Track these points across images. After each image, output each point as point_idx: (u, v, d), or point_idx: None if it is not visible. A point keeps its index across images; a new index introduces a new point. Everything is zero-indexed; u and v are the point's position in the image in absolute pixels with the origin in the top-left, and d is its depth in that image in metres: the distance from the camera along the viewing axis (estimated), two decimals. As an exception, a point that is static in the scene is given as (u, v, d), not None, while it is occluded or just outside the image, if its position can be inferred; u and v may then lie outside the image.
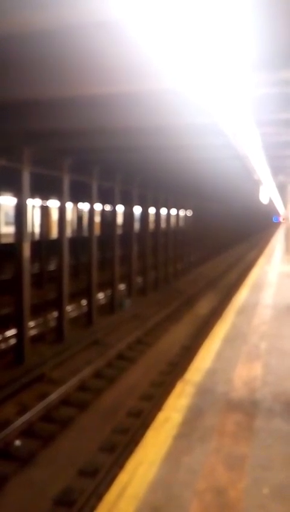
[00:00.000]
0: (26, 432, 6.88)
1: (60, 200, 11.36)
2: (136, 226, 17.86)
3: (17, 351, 9.80)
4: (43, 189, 16.87)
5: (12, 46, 4.70)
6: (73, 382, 8.53)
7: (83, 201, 21.73)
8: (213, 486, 2.99)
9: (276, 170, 14.04)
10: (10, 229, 14.37)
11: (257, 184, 15.35)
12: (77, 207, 24.00)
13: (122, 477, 3.08)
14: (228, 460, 3.30)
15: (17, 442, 6.59)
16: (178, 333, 13.10)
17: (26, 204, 9.54)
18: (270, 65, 4.44)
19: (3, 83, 5.33)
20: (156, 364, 10.22)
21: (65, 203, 11.34)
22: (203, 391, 4.48)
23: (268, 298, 9.71)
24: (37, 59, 4.97)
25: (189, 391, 4.48)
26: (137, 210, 17.70)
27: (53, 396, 7.83)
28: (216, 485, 3.00)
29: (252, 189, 18.48)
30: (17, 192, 9.53)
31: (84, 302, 14.16)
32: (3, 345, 10.61)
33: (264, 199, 20.05)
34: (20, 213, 9.50)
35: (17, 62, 5.07)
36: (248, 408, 4.11)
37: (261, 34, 4.14)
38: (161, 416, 3.94)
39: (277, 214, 46.33)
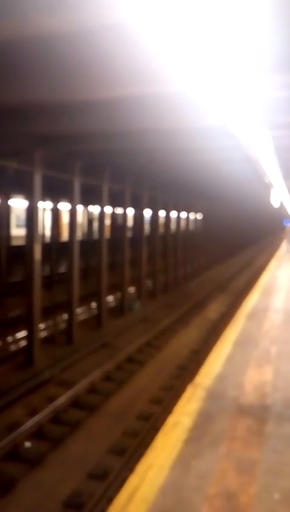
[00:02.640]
0: (36, 434, 6.89)
1: (70, 202, 11.40)
2: (146, 228, 17.86)
3: (27, 353, 9.83)
4: (53, 192, 16.98)
5: (23, 49, 4.74)
6: (82, 384, 8.54)
7: (93, 204, 21.83)
8: (224, 491, 2.97)
9: (288, 173, 13.96)
10: (21, 231, 14.44)
11: (268, 187, 15.29)
12: (87, 210, 24.10)
13: (133, 480, 3.07)
14: (238, 465, 3.27)
15: (27, 444, 6.61)
16: (188, 336, 13.05)
17: (37, 206, 9.60)
18: (283, 67, 4.43)
19: (15, 86, 5.38)
20: (165, 367, 10.19)
21: (76, 205, 11.39)
22: (214, 396, 4.46)
23: (279, 303, 9.65)
24: (48, 62, 5.01)
25: (199, 395, 4.46)
26: (147, 213, 17.71)
27: (62, 399, 7.84)
28: (227, 489, 2.98)
29: (263, 192, 18.40)
30: (29, 195, 9.59)
31: (93, 304, 14.18)
32: (13, 347, 10.66)
33: (275, 202, 19.94)
34: (31, 215, 9.56)
35: (28, 65, 5.12)
36: (258, 413, 4.08)
37: (275, 36, 4.13)
38: (171, 420, 3.93)
39: (288, 217, 46.08)
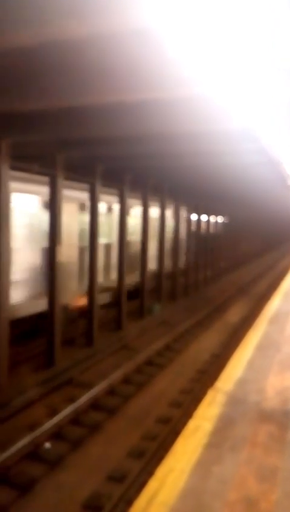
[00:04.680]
0: (56, 435, 6.94)
1: (92, 205, 11.48)
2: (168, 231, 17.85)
3: (48, 354, 9.93)
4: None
5: (47, 54, 4.79)
6: (102, 386, 8.56)
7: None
8: (244, 497, 2.93)
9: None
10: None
11: (290, 190, 15.09)
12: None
13: (153, 484, 3.06)
14: (259, 471, 3.23)
15: (47, 445, 6.66)
16: (208, 340, 12.97)
17: (60, 209, 9.73)
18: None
19: (37, 92, 5.46)
20: (185, 371, 10.15)
21: (97, 208, 11.46)
22: (235, 401, 4.41)
23: (301, 307, 9.49)
24: (71, 67, 5.05)
25: (220, 400, 4.42)
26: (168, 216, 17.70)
27: (82, 400, 7.88)
28: (247, 496, 2.94)
29: (286, 195, 18.17)
30: (51, 199, 9.72)
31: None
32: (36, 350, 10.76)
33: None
34: (53, 218, 9.68)
35: (52, 70, 5.18)
36: (280, 419, 4.02)
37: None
38: (191, 424, 3.90)
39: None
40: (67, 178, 9.91)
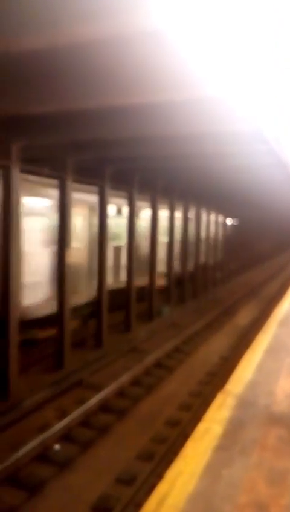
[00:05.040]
0: (65, 437, 6.95)
1: (100, 207, 11.51)
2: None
3: (57, 356, 9.96)
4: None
5: (57, 58, 4.82)
6: (111, 388, 8.57)
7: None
8: (254, 501, 2.91)
9: None
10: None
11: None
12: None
13: (162, 487, 3.05)
14: (270, 475, 3.20)
15: (57, 447, 6.67)
16: (217, 342, 12.92)
17: (69, 212, 9.78)
18: None
19: (47, 95, 5.49)
20: (194, 373, 10.12)
21: (106, 211, 11.49)
22: (245, 404, 4.38)
23: (312, 309, 9.42)
24: (82, 70, 5.07)
25: (230, 403, 4.40)
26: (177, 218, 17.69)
27: (92, 402, 7.89)
28: (258, 500, 2.92)
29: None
30: (60, 201, 9.77)
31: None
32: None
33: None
34: (62, 220, 9.73)
35: (62, 73, 5.20)
36: (291, 423, 3.98)
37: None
38: (201, 427, 3.89)
39: None
40: (76, 180, 9.97)
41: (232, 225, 28.48)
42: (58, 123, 7.08)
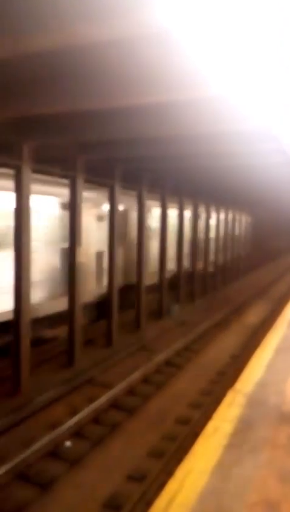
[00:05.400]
0: (77, 434, 7.01)
1: (111, 206, 11.55)
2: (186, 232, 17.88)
3: (69, 354, 10.04)
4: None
5: (67, 59, 4.86)
6: (121, 386, 8.61)
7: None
8: (265, 499, 2.92)
9: None
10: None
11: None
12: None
13: (172, 485, 3.07)
14: (280, 473, 3.21)
15: (68, 443, 6.73)
16: (227, 341, 12.92)
17: (80, 211, 9.84)
18: None
19: (58, 96, 5.53)
20: (204, 372, 10.13)
21: (116, 210, 11.53)
22: (255, 403, 4.40)
23: None
24: (92, 71, 5.12)
25: (240, 401, 4.41)
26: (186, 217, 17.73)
27: (102, 399, 7.95)
28: (268, 498, 2.93)
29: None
30: (71, 200, 9.83)
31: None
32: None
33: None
34: (73, 219, 9.80)
35: (72, 74, 5.25)
36: (301, 422, 3.99)
37: None
38: (211, 425, 3.91)
39: None
40: (87, 180, 10.04)
41: (248, 223, 28.80)
42: (68, 123, 7.13)
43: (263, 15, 3.52)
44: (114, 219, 11.46)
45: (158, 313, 14.92)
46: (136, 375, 9.21)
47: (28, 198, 8.16)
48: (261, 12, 3.46)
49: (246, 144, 8.10)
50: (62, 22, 3.76)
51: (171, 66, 4.79)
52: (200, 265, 19.07)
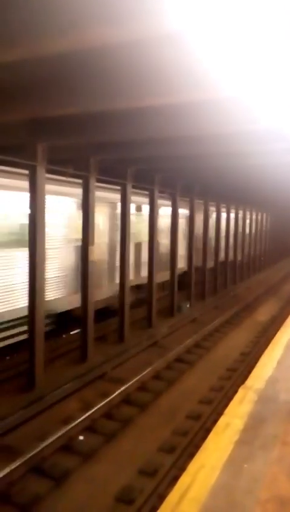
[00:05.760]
0: (89, 428, 7.12)
1: (123, 205, 11.61)
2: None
3: (82, 350, 10.17)
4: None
5: (82, 61, 4.92)
6: (133, 381, 8.71)
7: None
8: (276, 496, 2.94)
9: None
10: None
11: None
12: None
13: (184, 480, 3.12)
14: (291, 470, 3.25)
15: (81, 438, 6.85)
16: (237, 338, 12.95)
17: (93, 210, 9.94)
18: None
19: (73, 97, 5.60)
20: (214, 368, 10.18)
21: (128, 210, 11.61)
22: (266, 399, 4.44)
23: None
24: (105, 72, 5.18)
25: (251, 398, 4.46)
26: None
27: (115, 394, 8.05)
28: (280, 495, 2.96)
29: None
30: (84, 200, 9.94)
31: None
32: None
33: None
34: (86, 219, 9.91)
35: (87, 76, 5.32)
36: (312, 419, 4.02)
37: None
38: (222, 421, 3.96)
39: None
40: (99, 180, 10.16)
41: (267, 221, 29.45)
42: (82, 124, 7.21)
43: (273, 17, 3.54)
44: (126, 219, 11.53)
45: (170, 311, 14.97)
46: (146, 370, 9.27)
47: (42, 198, 8.27)
48: (271, 14, 3.49)
49: (258, 144, 8.09)
50: (79, 25, 3.82)
51: (184, 68, 4.83)
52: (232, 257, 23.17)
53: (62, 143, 8.33)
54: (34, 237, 8.25)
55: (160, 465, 6.14)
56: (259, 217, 30.15)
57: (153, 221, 13.14)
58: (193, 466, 3.28)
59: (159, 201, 13.56)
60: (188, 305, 16.05)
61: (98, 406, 7.59)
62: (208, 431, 5.63)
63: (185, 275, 16.86)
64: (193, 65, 4.74)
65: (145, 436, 7.08)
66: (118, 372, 9.57)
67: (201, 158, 10.32)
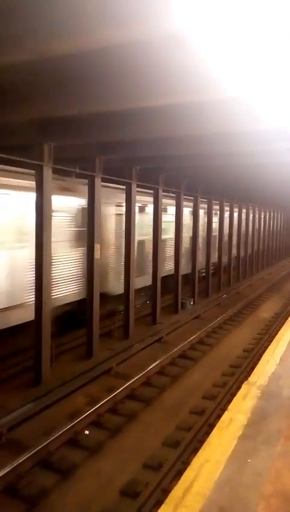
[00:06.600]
0: (95, 423, 7.22)
1: (127, 204, 11.66)
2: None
3: (87, 346, 10.28)
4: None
5: (88, 62, 4.96)
6: (137, 376, 8.81)
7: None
8: (280, 490, 3.00)
9: None
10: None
11: None
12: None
13: (189, 474, 3.18)
14: (294, 465, 3.31)
15: (87, 432, 6.95)
16: (240, 335, 13.01)
17: (98, 209, 10.03)
18: None
19: (79, 98, 5.66)
20: (218, 365, 10.26)
21: (133, 209, 11.66)
22: (269, 395, 4.52)
23: None
24: (111, 74, 5.22)
25: (254, 394, 4.54)
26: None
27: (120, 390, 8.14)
28: (283, 490, 3.01)
29: None
30: (90, 199, 10.02)
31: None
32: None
33: None
34: (91, 218, 10.00)
35: (93, 77, 5.36)
36: (314, 415, 4.09)
37: None
38: (226, 417, 4.03)
39: None
40: (105, 179, 10.22)
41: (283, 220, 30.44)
42: (88, 124, 7.27)
43: (276, 18, 3.59)
44: (131, 217, 11.59)
45: (174, 308, 15.04)
46: (150, 366, 9.36)
47: (49, 197, 8.35)
48: (274, 15, 3.53)
49: (262, 143, 8.12)
50: (87, 27, 3.86)
51: (189, 69, 4.87)
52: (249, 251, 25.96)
53: (68, 143, 8.39)
54: (40, 235, 8.33)
55: (164, 459, 6.23)
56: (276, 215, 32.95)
57: (157, 220, 13.22)
58: (197, 461, 3.34)
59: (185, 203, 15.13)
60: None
61: (104, 401, 7.67)
62: (211, 426, 5.72)
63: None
64: (197, 66, 4.78)
65: (149, 430, 7.17)
66: (123, 367, 9.66)
67: (205, 158, 10.35)
